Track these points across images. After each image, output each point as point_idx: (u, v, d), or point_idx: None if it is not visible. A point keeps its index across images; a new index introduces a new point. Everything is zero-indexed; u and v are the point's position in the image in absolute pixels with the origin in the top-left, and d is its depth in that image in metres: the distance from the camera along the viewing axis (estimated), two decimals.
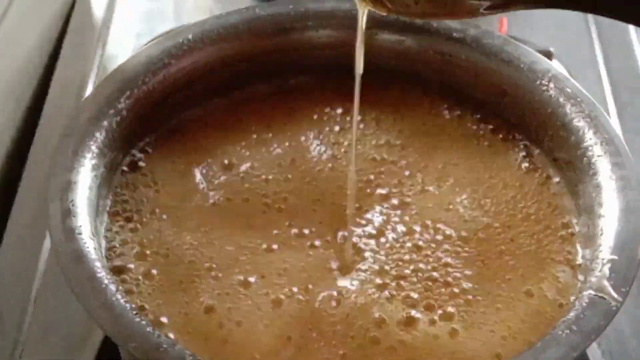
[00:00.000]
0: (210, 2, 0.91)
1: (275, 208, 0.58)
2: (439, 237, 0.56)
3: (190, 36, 0.63)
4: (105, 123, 0.57)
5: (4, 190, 0.74)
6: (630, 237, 0.52)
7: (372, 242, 0.56)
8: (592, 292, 0.49)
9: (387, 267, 0.55)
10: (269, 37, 0.64)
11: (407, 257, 0.55)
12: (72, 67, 0.83)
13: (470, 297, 0.53)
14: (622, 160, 0.55)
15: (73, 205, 0.52)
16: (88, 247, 0.50)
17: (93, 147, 0.56)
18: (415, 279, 0.54)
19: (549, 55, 0.74)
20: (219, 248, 0.55)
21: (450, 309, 0.53)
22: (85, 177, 0.54)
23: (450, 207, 0.58)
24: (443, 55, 0.64)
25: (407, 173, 0.60)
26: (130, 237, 0.56)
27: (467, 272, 0.54)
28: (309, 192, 0.59)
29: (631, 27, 0.87)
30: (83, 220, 0.52)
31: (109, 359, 0.61)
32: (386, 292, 0.53)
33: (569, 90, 0.59)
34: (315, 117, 0.64)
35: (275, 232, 0.57)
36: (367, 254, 0.56)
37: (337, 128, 0.63)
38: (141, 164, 0.60)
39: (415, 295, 0.53)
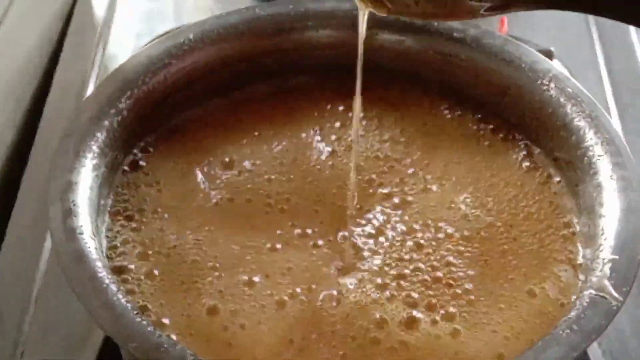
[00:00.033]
0: (210, 2, 0.91)
1: (278, 208, 0.58)
2: (441, 236, 0.56)
3: (190, 36, 0.63)
4: (106, 123, 0.57)
5: (4, 191, 0.74)
6: (630, 237, 0.52)
7: (374, 241, 0.56)
8: (593, 292, 0.49)
9: (388, 267, 0.55)
10: (269, 37, 0.64)
11: (408, 256, 0.55)
12: (72, 67, 0.83)
13: (472, 297, 0.53)
14: (622, 160, 0.55)
15: (74, 205, 0.52)
16: (89, 247, 0.50)
17: (94, 147, 0.56)
18: (415, 279, 0.54)
19: (549, 55, 0.74)
20: (223, 247, 0.55)
21: (452, 309, 0.53)
22: (86, 177, 0.54)
23: (453, 205, 0.58)
24: (443, 55, 0.64)
25: (409, 172, 0.60)
26: (131, 236, 0.56)
27: (470, 272, 0.54)
28: (310, 191, 0.59)
29: (632, 28, 0.87)
30: (84, 220, 0.52)
31: (109, 359, 0.60)
32: (387, 292, 0.53)
33: (569, 90, 0.59)
34: (315, 116, 0.64)
35: (279, 232, 0.57)
36: (368, 254, 0.56)
37: (337, 127, 0.63)
38: (142, 163, 0.60)
39: (416, 295, 0.53)
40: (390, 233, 0.57)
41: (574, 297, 0.53)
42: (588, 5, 0.47)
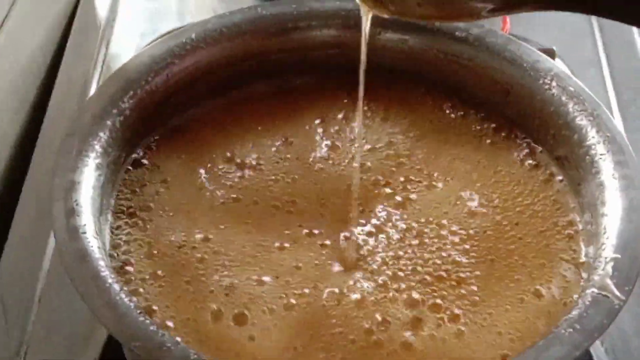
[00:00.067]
0: (213, 1, 0.91)
1: (283, 209, 0.58)
2: (445, 233, 0.56)
3: (193, 36, 0.63)
4: (108, 122, 0.57)
5: (8, 190, 0.74)
6: (633, 236, 0.52)
7: (376, 241, 0.56)
8: (595, 291, 0.49)
9: (391, 267, 0.55)
10: (271, 36, 0.64)
11: (412, 256, 0.55)
12: (75, 67, 0.83)
13: (477, 298, 0.53)
14: (625, 158, 0.55)
15: (77, 204, 0.52)
16: (92, 246, 0.50)
17: (97, 146, 0.56)
18: (418, 278, 0.54)
19: (551, 54, 0.74)
20: (227, 247, 0.55)
21: (456, 310, 0.52)
22: (89, 176, 0.54)
23: (458, 202, 0.58)
24: (446, 55, 0.64)
25: (412, 171, 0.60)
26: (134, 236, 0.56)
27: (477, 272, 0.54)
28: (315, 191, 0.59)
29: (634, 27, 0.87)
30: (87, 219, 0.52)
31: (112, 358, 0.60)
32: (390, 294, 0.53)
33: (571, 89, 0.59)
34: (318, 115, 0.64)
35: (287, 232, 0.56)
36: (373, 253, 0.55)
37: (339, 127, 0.63)
38: (145, 162, 0.60)
39: (417, 296, 0.53)
40: (395, 232, 0.57)
41: (576, 295, 0.53)
42: (588, 6, 0.47)
